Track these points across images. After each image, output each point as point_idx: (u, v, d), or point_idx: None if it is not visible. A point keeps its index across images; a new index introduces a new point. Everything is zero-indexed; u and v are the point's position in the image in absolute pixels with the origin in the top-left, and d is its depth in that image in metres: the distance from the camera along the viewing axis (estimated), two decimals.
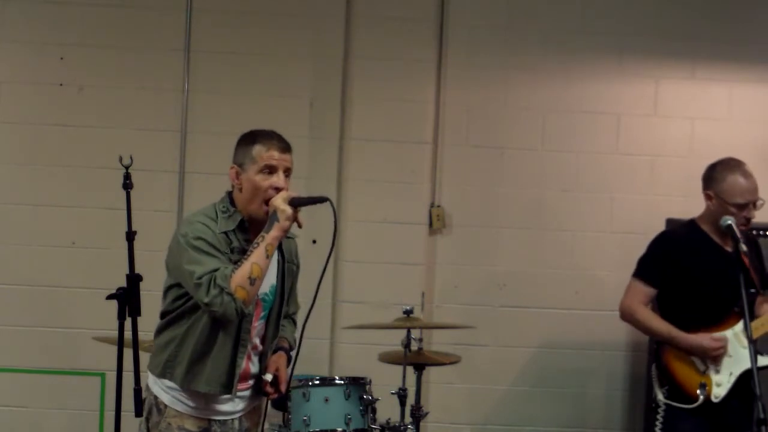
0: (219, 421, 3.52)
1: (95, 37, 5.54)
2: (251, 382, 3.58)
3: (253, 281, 3.34)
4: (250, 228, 3.49)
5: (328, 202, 3.46)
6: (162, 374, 3.49)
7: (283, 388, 3.59)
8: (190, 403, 3.48)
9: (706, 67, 5.76)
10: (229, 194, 3.55)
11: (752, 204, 4.37)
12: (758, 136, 5.75)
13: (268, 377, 3.56)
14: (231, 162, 3.56)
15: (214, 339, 3.44)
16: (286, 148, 3.50)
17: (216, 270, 3.32)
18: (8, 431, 5.51)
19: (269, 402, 3.80)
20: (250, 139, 3.52)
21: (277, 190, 3.44)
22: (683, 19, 5.75)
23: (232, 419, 3.55)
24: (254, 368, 3.57)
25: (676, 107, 5.78)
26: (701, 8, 5.76)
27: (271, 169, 3.46)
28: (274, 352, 3.64)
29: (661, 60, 5.75)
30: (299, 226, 3.46)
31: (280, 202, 3.40)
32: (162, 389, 3.50)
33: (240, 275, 3.33)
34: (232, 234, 3.46)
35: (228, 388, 3.47)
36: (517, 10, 5.72)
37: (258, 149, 3.47)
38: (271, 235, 3.38)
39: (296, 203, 3.42)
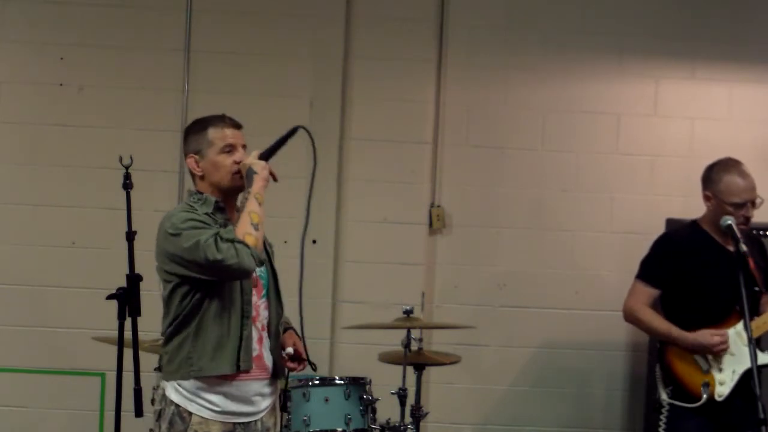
0: (242, 424, 3.48)
1: (95, 37, 5.54)
2: (267, 373, 3.55)
3: (257, 227, 3.36)
4: (225, 208, 3.52)
5: (300, 130, 3.49)
6: (184, 375, 3.41)
7: (305, 357, 3.59)
8: (216, 408, 3.42)
9: (706, 67, 5.76)
10: (191, 190, 3.56)
11: (750, 203, 4.37)
12: (758, 136, 5.75)
13: (290, 351, 3.56)
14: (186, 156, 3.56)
15: (227, 321, 3.42)
16: (237, 125, 3.56)
17: (218, 232, 3.34)
18: (8, 431, 5.51)
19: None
20: (200, 125, 3.56)
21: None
22: (683, 19, 5.75)
23: (255, 420, 3.52)
24: (267, 354, 3.53)
25: (676, 107, 5.78)
26: (701, 8, 5.76)
27: (231, 148, 3.50)
28: (283, 332, 3.64)
29: (661, 60, 5.75)
30: (275, 179, 3.50)
31: (251, 159, 3.46)
32: (185, 396, 3.43)
33: (242, 225, 3.36)
34: (213, 216, 3.46)
35: (248, 362, 3.44)
36: (517, 10, 5.72)
37: (212, 132, 3.52)
38: (256, 185, 3.42)
39: (266, 155, 3.49)
